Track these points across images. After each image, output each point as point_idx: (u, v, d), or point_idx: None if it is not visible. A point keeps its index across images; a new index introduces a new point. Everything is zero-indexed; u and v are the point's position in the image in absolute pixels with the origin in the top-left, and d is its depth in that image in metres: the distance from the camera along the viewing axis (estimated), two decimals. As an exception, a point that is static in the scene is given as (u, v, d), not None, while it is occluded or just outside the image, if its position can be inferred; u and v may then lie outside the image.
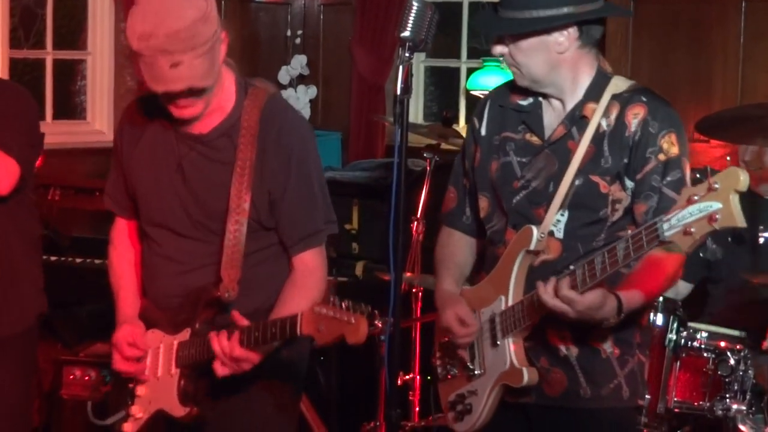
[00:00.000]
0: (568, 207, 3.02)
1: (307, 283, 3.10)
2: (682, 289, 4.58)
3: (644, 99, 3.01)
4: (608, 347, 3.06)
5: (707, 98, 5.71)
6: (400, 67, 2.82)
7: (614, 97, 3.02)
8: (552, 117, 3.08)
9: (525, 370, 3.04)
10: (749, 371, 3.94)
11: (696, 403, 4.01)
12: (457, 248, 3.30)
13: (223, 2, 7.12)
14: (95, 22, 6.94)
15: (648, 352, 3.20)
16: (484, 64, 6.94)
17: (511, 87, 3.16)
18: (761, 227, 4.28)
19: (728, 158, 2.77)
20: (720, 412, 3.92)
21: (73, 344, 5.11)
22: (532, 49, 2.98)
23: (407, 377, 4.90)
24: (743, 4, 5.75)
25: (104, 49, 6.95)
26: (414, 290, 4.94)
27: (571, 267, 2.88)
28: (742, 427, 3.90)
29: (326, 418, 5.09)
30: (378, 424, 4.81)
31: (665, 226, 2.61)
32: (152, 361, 3.18)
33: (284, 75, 7.43)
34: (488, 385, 3.13)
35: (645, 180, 2.98)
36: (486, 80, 6.82)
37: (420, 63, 7.40)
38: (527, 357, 3.07)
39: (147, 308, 3.26)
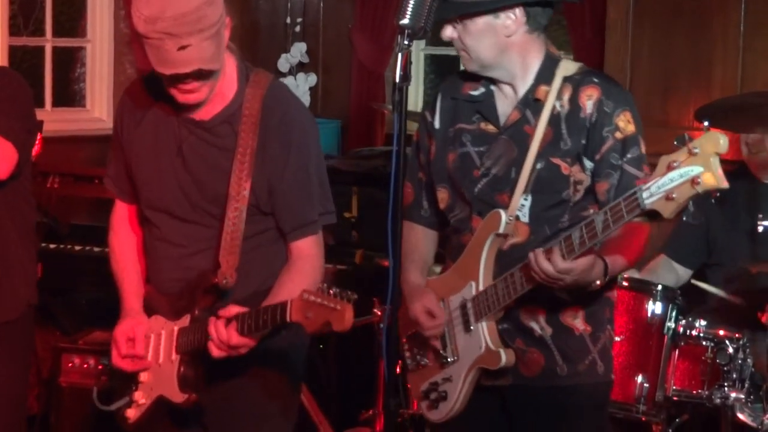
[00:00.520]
0: (531, 191, 3.06)
1: (301, 271, 3.10)
2: (683, 274, 4.58)
3: (596, 80, 3.07)
4: (580, 324, 3.11)
5: (707, 86, 5.69)
6: (399, 55, 2.81)
7: (566, 79, 3.07)
8: (505, 104, 3.12)
9: (502, 352, 3.06)
10: (748, 360, 3.95)
11: (695, 392, 4.02)
12: (419, 240, 3.34)
13: (223, -10, 7.09)
14: (95, 9, 6.92)
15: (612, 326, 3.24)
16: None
17: (461, 77, 3.20)
18: (760, 215, 4.27)
19: (706, 123, 2.78)
20: (718, 401, 3.93)
21: (72, 332, 5.11)
22: (479, 32, 3.03)
23: (406, 365, 4.90)
24: (744, -7, 5.73)
25: (104, 37, 6.93)
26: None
27: (549, 245, 2.90)
28: (740, 415, 3.91)
29: (325, 407, 5.09)
30: (377, 412, 4.81)
31: (645, 194, 2.64)
32: (154, 348, 3.18)
33: (284, 63, 7.41)
34: (463, 370, 3.14)
35: (604, 159, 3.03)
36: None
37: (420, 51, 7.38)
38: (502, 339, 3.09)
39: (150, 294, 3.26)
